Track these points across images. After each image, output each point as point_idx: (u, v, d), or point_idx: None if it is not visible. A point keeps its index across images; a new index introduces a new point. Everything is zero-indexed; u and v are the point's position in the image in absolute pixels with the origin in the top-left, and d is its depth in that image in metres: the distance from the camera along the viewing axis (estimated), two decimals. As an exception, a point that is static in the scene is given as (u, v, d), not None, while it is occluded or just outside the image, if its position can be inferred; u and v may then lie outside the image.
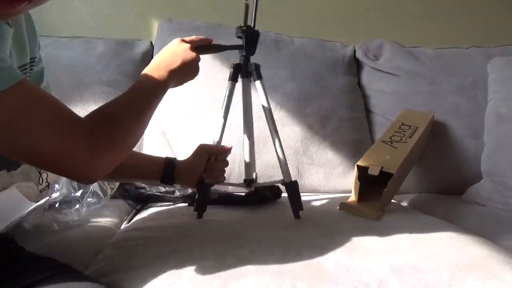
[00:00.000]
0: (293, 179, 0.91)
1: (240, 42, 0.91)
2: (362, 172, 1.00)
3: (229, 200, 1.02)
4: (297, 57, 1.35)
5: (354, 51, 1.48)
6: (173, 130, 1.20)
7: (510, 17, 1.81)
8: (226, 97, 0.91)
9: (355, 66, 1.47)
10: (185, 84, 1.24)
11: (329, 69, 1.37)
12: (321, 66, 1.36)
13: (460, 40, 1.63)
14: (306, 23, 1.68)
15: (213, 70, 1.25)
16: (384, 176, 0.97)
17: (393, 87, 1.41)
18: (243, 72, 0.92)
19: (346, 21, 1.72)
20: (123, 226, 0.93)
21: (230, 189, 1.10)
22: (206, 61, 1.26)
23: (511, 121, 1.24)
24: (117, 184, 1.05)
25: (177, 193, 1.05)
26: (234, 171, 1.16)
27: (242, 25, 0.89)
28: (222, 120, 0.91)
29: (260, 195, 1.02)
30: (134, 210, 1.02)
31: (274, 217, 0.93)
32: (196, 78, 1.25)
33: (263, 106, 0.91)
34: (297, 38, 1.43)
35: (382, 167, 0.97)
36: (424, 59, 1.44)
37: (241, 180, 1.13)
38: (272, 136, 0.91)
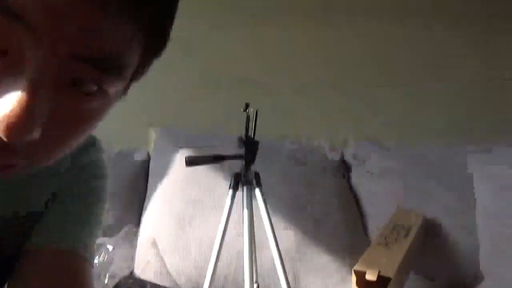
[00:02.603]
0: (290, 285, 0.88)
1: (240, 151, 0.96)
2: (361, 277, 0.97)
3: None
4: (288, 163, 1.41)
5: (342, 154, 1.55)
6: (164, 238, 1.19)
7: (480, 116, 1.90)
8: (228, 206, 0.93)
9: (343, 168, 1.53)
10: (180, 190, 1.28)
11: (319, 173, 1.41)
12: (311, 170, 1.41)
13: (439, 137, 1.67)
14: (293, 125, 1.76)
15: (209, 177, 1.29)
16: (384, 280, 0.95)
17: (383, 187, 1.45)
18: (244, 180, 0.95)
19: (332, 122, 1.79)
20: None
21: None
22: (202, 169, 1.30)
23: (502, 218, 1.26)
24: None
25: None
26: (230, 276, 1.12)
27: (243, 135, 0.95)
28: (223, 228, 0.92)
29: None
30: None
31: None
32: (192, 186, 1.29)
33: (263, 214, 0.93)
34: (287, 144, 1.50)
35: (379, 272, 0.95)
36: (409, 160, 1.50)
37: (236, 284, 1.09)
38: (271, 246, 0.91)
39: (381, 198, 1.43)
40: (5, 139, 0.24)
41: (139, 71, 0.31)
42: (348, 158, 1.53)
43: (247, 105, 0.96)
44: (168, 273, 1.11)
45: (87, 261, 0.47)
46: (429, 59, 1.79)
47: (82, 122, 0.29)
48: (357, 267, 0.98)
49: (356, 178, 1.51)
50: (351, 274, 1.01)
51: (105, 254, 1.04)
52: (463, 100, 1.80)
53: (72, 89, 0.26)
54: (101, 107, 0.29)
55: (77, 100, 0.27)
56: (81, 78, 0.26)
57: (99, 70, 0.26)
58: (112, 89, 0.28)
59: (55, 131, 0.27)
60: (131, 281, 1.04)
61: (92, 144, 0.53)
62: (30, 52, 0.24)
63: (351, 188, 1.49)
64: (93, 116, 0.29)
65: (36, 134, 0.25)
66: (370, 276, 0.95)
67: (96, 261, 1.03)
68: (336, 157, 1.51)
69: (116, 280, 1.02)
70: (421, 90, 1.81)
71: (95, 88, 0.27)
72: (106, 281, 0.98)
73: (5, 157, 0.27)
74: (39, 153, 0.28)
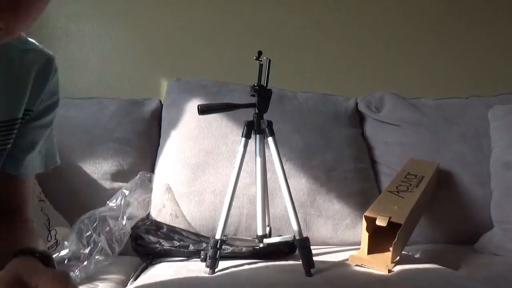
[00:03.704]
0: (301, 230, 0.91)
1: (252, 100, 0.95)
2: (371, 223, 0.99)
3: (242, 254, 1.00)
4: (301, 112, 1.40)
5: (356, 103, 1.53)
6: (178, 185, 1.21)
7: (506, 66, 1.87)
8: (240, 154, 0.93)
9: (358, 118, 1.51)
10: (193, 139, 1.29)
11: (332, 122, 1.40)
12: (324, 119, 1.40)
13: (459, 91, 1.66)
14: (308, 78, 1.75)
15: (222, 126, 1.29)
16: (393, 227, 0.96)
17: (397, 138, 1.44)
18: (256, 129, 0.95)
19: (347, 75, 1.79)
20: (129, 284, 0.92)
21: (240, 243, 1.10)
22: (215, 117, 1.30)
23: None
24: (125, 240, 1.05)
25: (191, 248, 1.04)
26: (242, 224, 1.16)
27: (255, 84, 0.94)
28: (235, 175, 0.93)
29: (273, 249, 1.01)
30: (141, 267, 1.01)
31: (285, 271, 0.91)
32: (205, 134, 1.30)
33: (275, 162, 0.94)
34: (300, 93, 1.48)
35: (390, 218, 0.96)
36: (425, 109, 1.48)
37: (249, 233, 1.12)
38: (283, 193, 0.93)
39: (394, 148, 1.42)
40: None
41: None
42: (363, 108, 1.51)
43: (259, 53, 0.94)
44: (183, 216, 1.15)
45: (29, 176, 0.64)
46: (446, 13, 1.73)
47: None
48: (367, 213, 1.00)
49: (370, 127, 1.49)
50: (361, 220, 1.03)
51: (122, 198, 1.08)
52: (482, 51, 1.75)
53: None
54: None
55: None
56: None
57: None
58: None
59: None
60: (148, 222, 1.08)
61: (55, 68, 0.62)
62: None
63: (364, 137, 1.48)
64: None
65: None
66: (381, 222, 0.96)
67: (114, 204, 1.07)
68: (350, 106, 1.49)
69: (134, 222, 1.06)
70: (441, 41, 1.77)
71: None
72: (124, 222, 1.02)
73: None
74: None
